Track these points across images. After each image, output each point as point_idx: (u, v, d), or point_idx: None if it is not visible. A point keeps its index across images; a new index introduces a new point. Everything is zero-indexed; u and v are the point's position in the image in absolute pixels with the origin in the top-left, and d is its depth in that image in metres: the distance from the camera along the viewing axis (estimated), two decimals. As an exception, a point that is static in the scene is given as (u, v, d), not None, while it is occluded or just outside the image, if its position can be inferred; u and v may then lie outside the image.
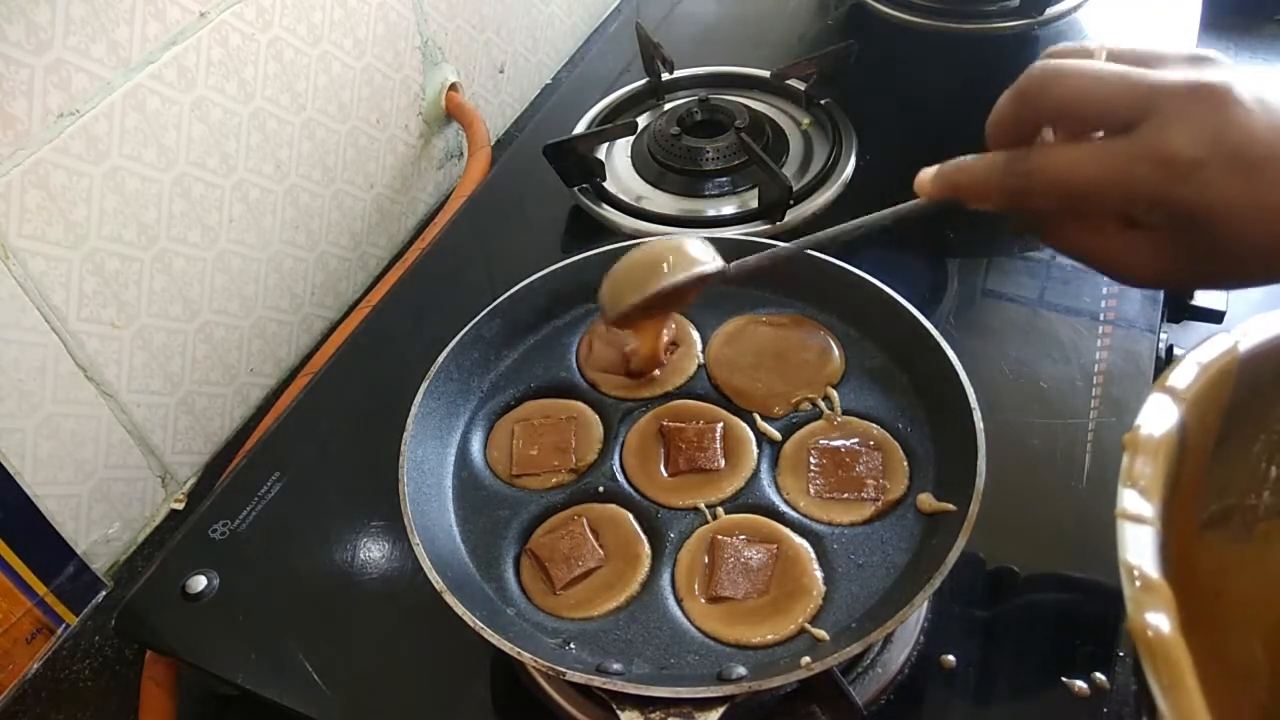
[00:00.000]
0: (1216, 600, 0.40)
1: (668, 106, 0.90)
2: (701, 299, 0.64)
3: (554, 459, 0.57)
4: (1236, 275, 0.40)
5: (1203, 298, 0.73)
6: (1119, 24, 0.99)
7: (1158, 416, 0.36)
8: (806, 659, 0.44)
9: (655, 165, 0.84)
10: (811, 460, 0.55)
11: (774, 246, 0.55)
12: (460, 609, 0.45)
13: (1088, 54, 0.41)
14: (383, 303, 0.77)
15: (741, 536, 0.51)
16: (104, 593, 0.68)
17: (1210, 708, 0.28)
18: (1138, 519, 0.33)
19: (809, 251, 0.61)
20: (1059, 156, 0.40)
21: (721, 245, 0.65)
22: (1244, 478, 0.42)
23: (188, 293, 0.71)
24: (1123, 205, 0.40)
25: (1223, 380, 0.38)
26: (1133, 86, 0.38)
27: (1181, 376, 0.38)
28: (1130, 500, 0.33)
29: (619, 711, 0.43)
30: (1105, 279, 0.72)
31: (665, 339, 0.61)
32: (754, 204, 0.80)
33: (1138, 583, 0.31)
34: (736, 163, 0.82)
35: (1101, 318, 0.69)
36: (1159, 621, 0.30)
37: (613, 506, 0.54)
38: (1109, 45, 0.41)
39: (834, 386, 0.58)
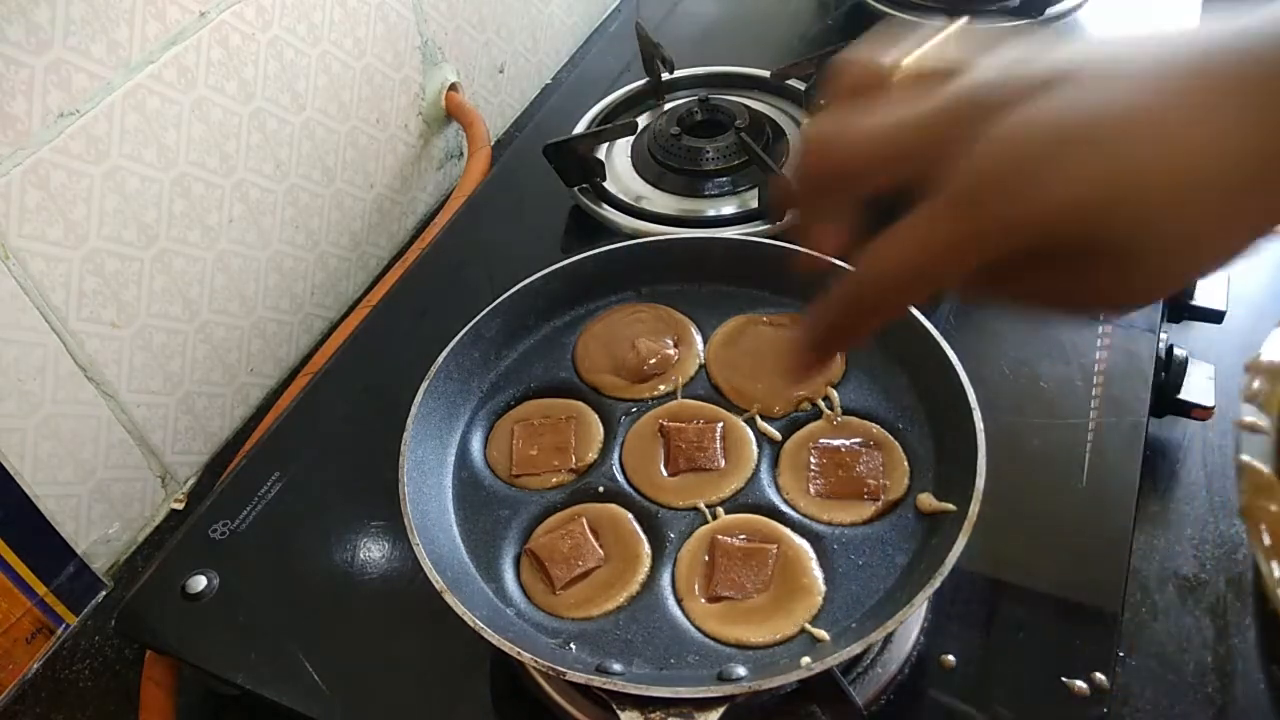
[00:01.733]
0: None
1: (668, 106, 0.90)
2: (701, 299, 0.64)
3: (554, 459, 0.56)
4: (1154, 260, 0.31)
5: (1203, 297, 0.73)
6: (1119, 24, 0.99)
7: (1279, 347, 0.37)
8: (806, 659, 0.44)
9: (655, 165, 0.84)
10: (811, 460, 0.55)
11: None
12: (460, 609, 0.45)
13: (877, 78, 0.34)
14: (383, 303, 0.77)
15: (741, 536, 0.51)
16: (104, 593, 0.68)
17: None
18: (1253, 427, 0.35)
19: (808, 251, 0.61)
20: (874, 257, 0.34)
21: (720, 245, 0.65)
22: None
23: (188, 293, 0.71)
24: (980, 256, 0.32)
25: None
26: (909, 135, 0.32)
27: None
28: (1248, 411, 0.35)
29: (619, 711, 0.43)
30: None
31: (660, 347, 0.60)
32: (754, 204, 0.80)
33: (1251, 474, 0.33)
34: (736, 163, 0.82)
35: (1102, 317, 0.69)
36: (1267, 510, 0.32)
37: (613, 506, 0.54)
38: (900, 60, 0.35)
39: (834, 386, 0.58)
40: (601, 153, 0.87)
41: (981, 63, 0.32)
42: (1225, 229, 0.30)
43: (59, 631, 0.65)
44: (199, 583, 0.58)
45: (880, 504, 0.52)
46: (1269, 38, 0.29)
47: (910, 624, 0.54)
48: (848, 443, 0.55)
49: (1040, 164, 0.29)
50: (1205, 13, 0.96)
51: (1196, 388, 0.66)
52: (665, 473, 0.55)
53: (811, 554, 0.51)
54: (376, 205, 0.89)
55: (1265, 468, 0.34)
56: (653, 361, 0.60)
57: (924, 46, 0.33)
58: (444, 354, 0.58)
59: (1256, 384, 0.37)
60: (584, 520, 0.53)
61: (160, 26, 0.64)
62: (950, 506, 0.50)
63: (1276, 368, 0.37)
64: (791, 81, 0.90)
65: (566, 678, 0.43)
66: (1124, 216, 0.29)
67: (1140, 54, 0.31)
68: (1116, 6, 1.01)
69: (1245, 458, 0.34)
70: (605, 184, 0.83)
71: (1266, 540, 0.32)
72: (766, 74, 0.92)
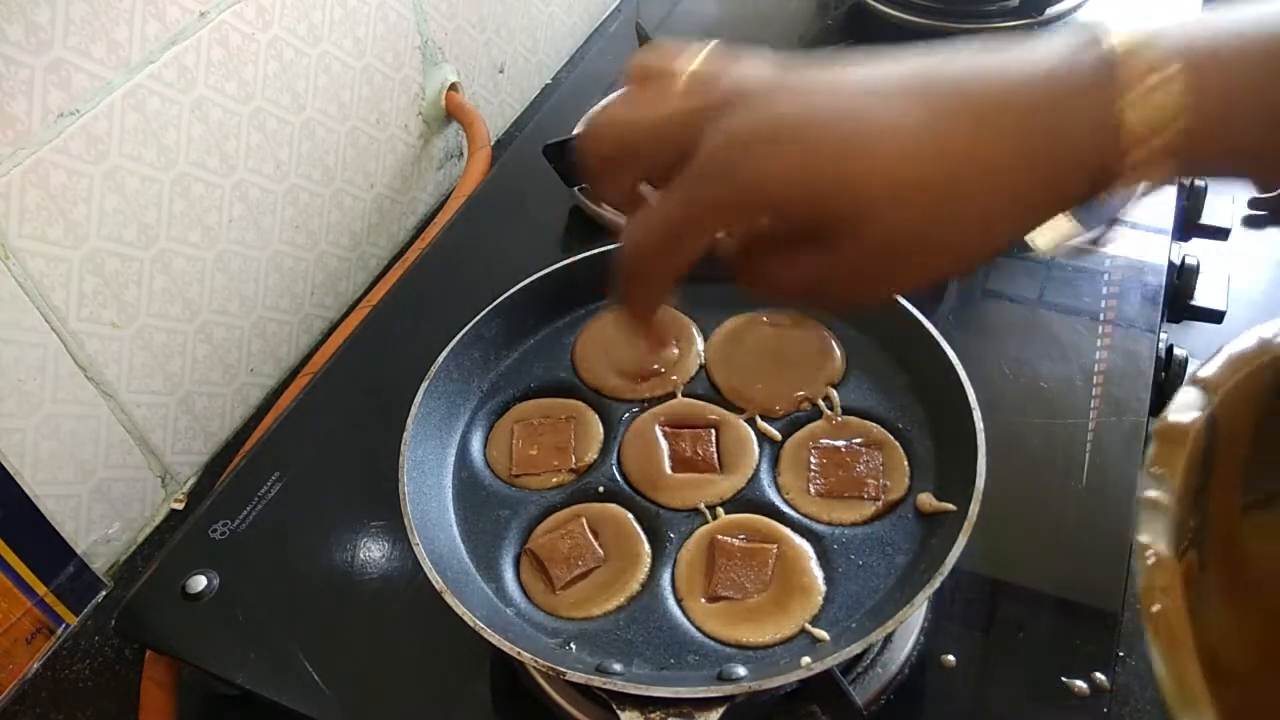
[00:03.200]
0: (1270, 578, 0.40)
1: (668, 106, 0.90)
2: (701, 299, 0.64)
3: (554, 459, 0.56)
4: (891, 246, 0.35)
5: (1203, 297, 0.73)
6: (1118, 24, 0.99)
7: (1185, 407, 0.37)
8: (806, 659, 0.44)
9: (655, 165, 0.84)
10: (812, 460, 0.54)
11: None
12: (460, 609, 0.45)
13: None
14: (383, 302, 0.77)
15: (741, 536, 0.51)
16: (104, 593, 0.68)
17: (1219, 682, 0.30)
18: (1153, 504, 0.34)
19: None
20: (631, 228, 0.38)
21: (721, 244, 0.65)
22: None
23: (188, 293, 0.71)
24: (716, 223, 0.37)
25: (1256, 373, 0.39)
26: (671, 125, 0.36)
27: (1212, 369, 0.38)
28: (1147, 486, 0.35)
29: (619, 711, 0.43)
30: (1105, 277, 0.72)
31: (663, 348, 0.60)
32: (754, 204, 0.80)
33: (1149, 559, 0.32)
34: (736, 163, 0.82)
35: (1101, 318, 0.69)
36: (1163, 594, 0.31)
37: (613, 506, 0.54)
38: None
39: (834, 386, 0.58)
40: (601, 153, 0.86)
41: (742, 69, 0.37)
42: (950, 228, 0.34)
43: (59, 631, 0.65)
44: (199, 583, 0.58)
45: (880, 504, 0.52)
46: (991, 66, 0.34)
47: (910, 624, 0.54)
48: (848, 443, 0.55)
49: (757, 148, 0.34)
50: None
51: (1196, 388, 0.66)
52: (665, 473, 0.55)
53: (811, 554, 0.51)
54: (376, 205, 0.89)
55: (1165, 549, 0.34)
56: (654, 364, 0.60)
57: (702, 54, 0.38)
58: (444, 354, 0.58)
59: (1161, 451, 0.37)
60: (584, 520, 0.53)
61: (160, 26, 0.64)
62: (950, 506, 0.50)
63: (1184, 431, 0.37)
64: (791, 81, 0.90)
65: (566, 678, 0.43)
66: (843, 202, 0.33)
67: (873, 72, 0.35)
68: (1116, 6, 1.01)
69: (1143, 538, 0.34)
70: (605, 184, 0.82)
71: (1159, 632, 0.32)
72: (766, 74, 0.92)
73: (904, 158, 0.33)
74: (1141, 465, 0.35)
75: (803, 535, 0.51)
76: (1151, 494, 0.34)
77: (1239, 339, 0.39)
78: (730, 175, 0.35)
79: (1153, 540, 0.33)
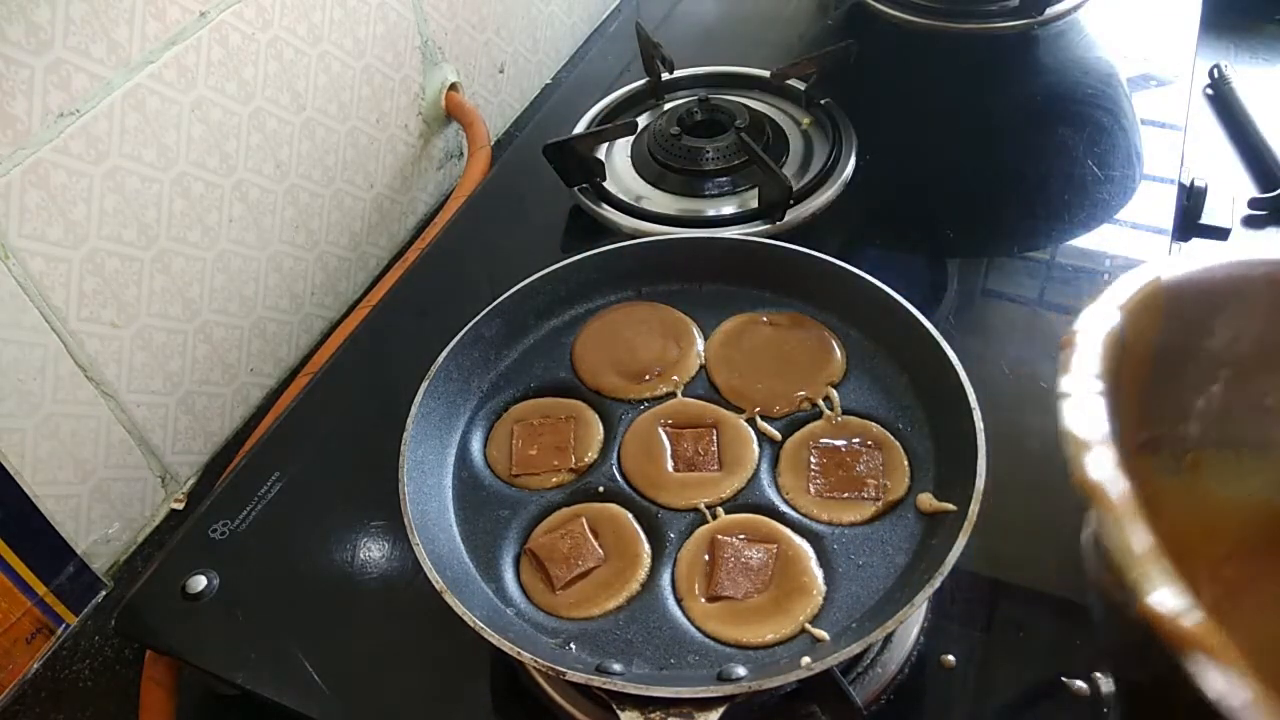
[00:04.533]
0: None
1: (668, 106, 0.90)
2: (701, 299, 0.64)
3: (553, 459, 0.57)
4: None
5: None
6: (1119, 24, 0.99)
7: (1097, 318, 0.37)
8: (806, 659, 0.44)
9: (655, 165, 0.84)
10: (812, 460, 0.55)
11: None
12: (460, 609, 0.45)
13: None
14: (383, 302, 0.77)
15: (741, 536, 0.51)
16: (104, 593, 0.68)
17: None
18: (1076, 396, 0.34)
19: (808, 251, 0.61)
20: None
21: (721, 245, 0.65)
22: (1172, 407, 0.43)
23: (187, 293, 0.71)
24: None
25: (1153, 303, 0.39)
26: None
27: (1119, 291, 0.38)
28: (1068, 382, 0.34)
29: (619, 711, 0.43)
30: (1105, 277, 0.72)
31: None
32: (754, 204, 0.80)
33: (1080, 447, 0.32)
34: (736, 163, 0.82)
35: (1101, 318, 0.69)
36: (1103, 472, 0.31)
37: (612, 506, 0.54)
38: None
39: (834, 386, 0.58)
40: (601, 153, 0.87)
41: None
42: None
43: (59, 631, 0.65)
44: (199, 583, 0.58)
45: (880, 504, 0.52)
46: None
47: (910, 624, 0.54)
48: (848, 442, 0.55)
49: None
50: (1205, 13, 0.96)
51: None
52: (665, 472, 0.55)
53: (811, 554, 0.51)
54: (376, 205, 0.89)
55: (1097, 437, 0.33)
56: (654, 364, 0.60)
57: None
58: (444, 354, 0.58)
59: (1077, 356, 0.36)
60: (584, 520, 0.53)
61: (160, 26, 0.64)
62: (950, 506, 0.50)
63: (1100, 338, 0.37)
64: (791, 81, 0.91)
65: (566, 678, 0.43)
66: None
67: None
68: (1116, 6, 1.01)
69: (1069, 426, 0.33)
70: (605, 184, 0.83)
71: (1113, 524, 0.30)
72: (766, 74, 0.92)
73: None
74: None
75: (803, 535, 0.51)
76: (1070, 387, 0.34)
77: (1132, 272, 0.39)
78: None
79: (1076, 427, 0.32)
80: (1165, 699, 0.31)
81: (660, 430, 0.57)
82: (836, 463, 0.54)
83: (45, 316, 0.61)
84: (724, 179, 0.82)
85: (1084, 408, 0.33)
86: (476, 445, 0.58)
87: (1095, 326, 0.36)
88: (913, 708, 0.51)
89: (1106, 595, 0.32)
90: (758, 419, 0.57)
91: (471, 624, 0.44)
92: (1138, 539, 0.29)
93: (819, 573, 0.50)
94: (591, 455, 0.57)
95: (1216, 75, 0.99)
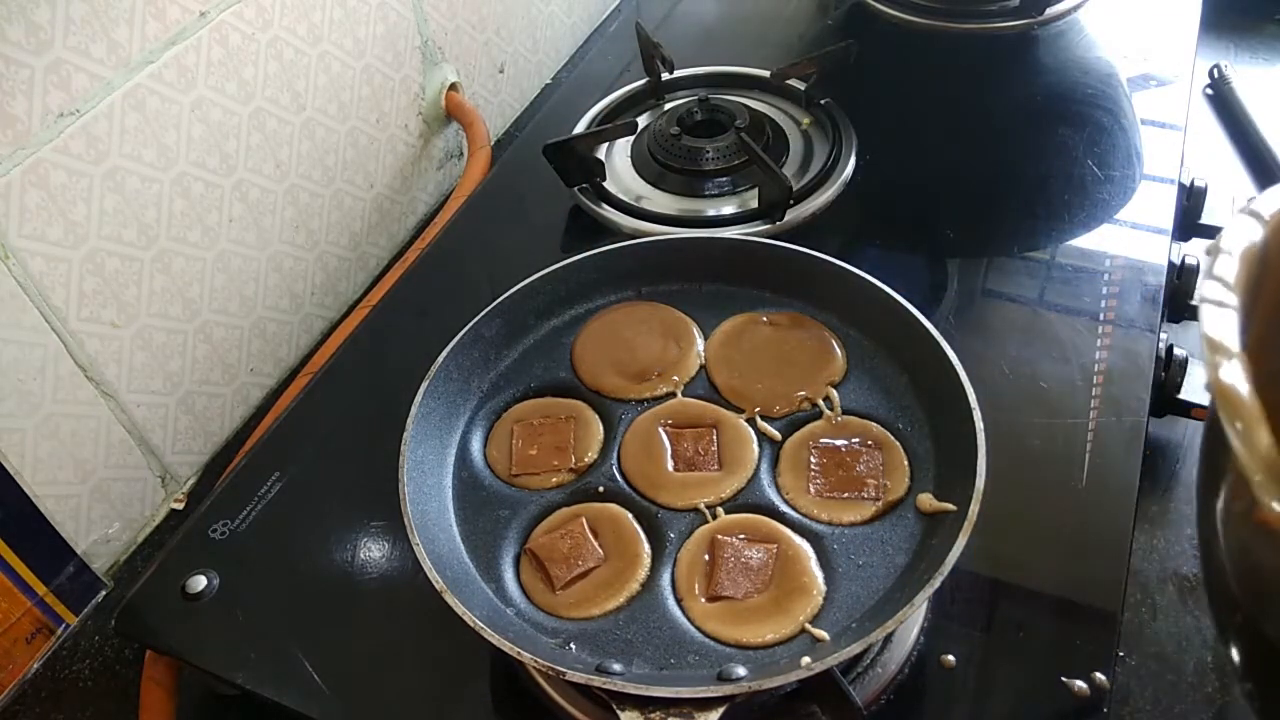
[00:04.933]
0: None
1: (668, 106, 0.90)
2: (701, 299, 0.64)
3: (553, 458, 0.57)
4: None
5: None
6: (1119, 24, 0.99)
7: (1241, 230, 0.36)
8: (806, 659, 0.44)
9: (655, 165, 0.84)
10: (812, 460, 0.55)
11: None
12: (460, 609, 0.45)
13: None
14: (383, 303, 0.77)
15: (741, 536, 0.51)
16: (104, 593, 0.68)
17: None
18: (1220, 303, 0.34)
19: (808, 251, 0.61)
20: None
21: (721, 245, 0.65)
22: None
23: (187, 293, 0.71)
24: None
25: None
26: None
27: (1266, 202, 0.37)
28: (1211, 289, 0.34)
29: (619, 711, 0.43)
30: (1105, 277, 0.72)
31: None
32: (754, 204, 0.80)
33: (1219, 352, 0.32)
34: (736, 163, 0.82)
35: (1101, 317, 0.69)
36: (1236, 379, 0.31)
37: (612, 506, 0.54)
38: None
39: (834, 386, 0.58)
40: (601, 153, 0.87)
41: None
42: None
43: (59, 631, 0.65)
44: (199, 583, 0.58)
45: (880, 504, 0.52)
46: None
47: (910, 624, 0.54)
48: (848, 442, 0.55)
49: None
50: (1205, 13, 0.96)
51: (1196, 388, 0.67)
52: (665, 472, 0.55)
53: (811, 554, 0.51)
54: (376, 205, 0.89)
55: (1234, 346, 0.33)
56: (653, 364, 0.60)
57: None
58: (444, 354, 0.58)
59: (1221, 263, 0.36)
60: (584, 520, 0.53)
61: (160, 26, 0.64)
62: (950, 506, 0.50)
63: (1243, 250, 0.36)
64: (791, 81, 0.91)
65: (566, 678, 0.43)
66: None
67: None
68: (1116, 6, 1.01)
69: (1211, 332, 0.33)
70: (605, 184, 0.83)
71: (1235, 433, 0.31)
72: (766, 74, 0.92)
73: None
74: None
75: (803, 535, 0.51)
76: (1214, 295, 0.33)
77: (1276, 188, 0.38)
78: None
79: (1219, 335, 0.32)
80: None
81: (660, 430, 0.57)
82: (836, 463, 0.54)
83: (45, 316, 0.61)
84: (724, 179, 0.82)
85: (1224, 316, 0.33)
86: (476, 445, 0.58)
87: (1239, 237, 0.36)
88: (913, 708, 0.51)
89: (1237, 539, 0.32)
90: (758, 419, 0.57)
91: (471, 624, 0.44)
92: (1265, 444, 0.29)
93: (819, 573, 0.50)
94: (591, 455, 0.57)
95: (1216, 75, 0.99)
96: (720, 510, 0.53)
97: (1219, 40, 1.06)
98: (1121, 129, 0.86)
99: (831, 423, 0.56)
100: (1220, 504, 0.35)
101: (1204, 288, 0.34)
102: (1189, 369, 0.67)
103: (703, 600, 0.49)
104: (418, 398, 0.55)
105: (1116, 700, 0.53)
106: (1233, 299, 0.33)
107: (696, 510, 0.53)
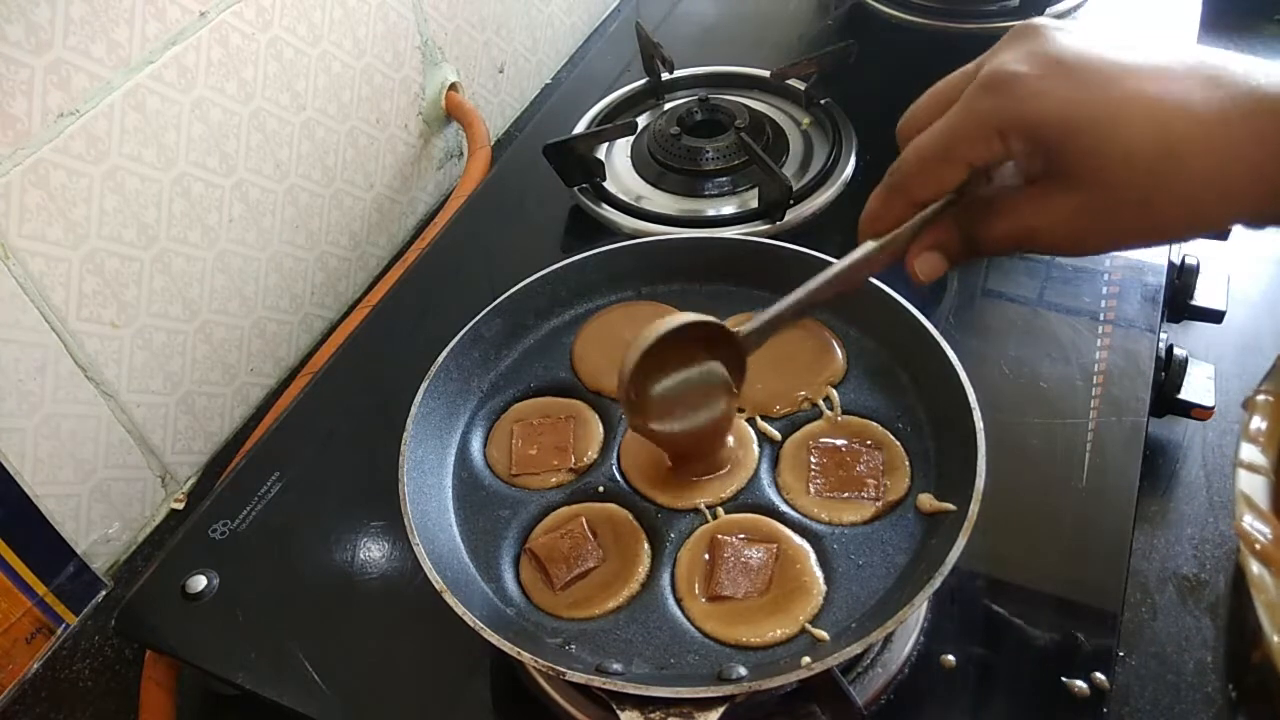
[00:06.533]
0: None
1: (668, 106, 0.90)
2: (701, 299, 0.64)
3: (553, 458, 0.56)
4: (1147, 206, 0.38)
5: (1202, 297, 0.73)
6: (1119, 24, 0.99)
7: (1275, 384, 0.39)
8: (806, 659, 0.44)
9: (655, 165, 0.84)
10: (812, 460, 0.55)
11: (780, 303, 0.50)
12: (460, 609, 0.45)
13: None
14: (383, 302, 0.77)
15: (741, 536, 0.51)
16: (104, 593, 0.68)
17: None
18: (1252, 467, 0.36)
19: (808, 251, 0.61)
20: (916, 141, 0.43)
21: (721, 245, 0.65)
22: None
23: (187, 293, 0.71)
24: (985, 152, 0.40)
25: None
26: (963, 72, 0.43)
27: None
28: (1247, 452, 0.37)
29: (619, 711, 0.43)
30: (1105, 277, 0.72)
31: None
32: (754, 204, 0.80)
33: (1249, 510, 0.35)
34: (736, 163, 0.82)
35: (1101, 317, 0.69)
36: (1264, 533, 0.33)
37: (612, 506, 0.54)
38: None
39: (834, 386, 0.58)
40: (601, 153, 0.87)
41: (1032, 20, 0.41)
42: (1198, 203, 0.36)
43: (59, 631, 0.65)
44: (199, 583, 0.58)
45: (880, 504, 0.52)
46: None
47: (910, 624, 0.54)
48: (848, 442, 0.55)
49: (1033, 70, 0.38)
50: (1205, 13, 0.96)
51: (1196, 388, 0.67)
52: (665, 472, 0.55)
53: (811, 554, 0.51)
54: (376, 205, 0.89)
55: (1263, 504, 0.36)
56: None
57: None
58: (444, 354, 0.58)
59: (1255, 422, 0.39)
60: (584, 520, 0.53)
61: (160, 26, 0.64)
62: (950, 506, 0.50)
63: (1273, 406, 0.39)
64: (791, 81, 0.91)
65: (566, 678, 0.43)
66: (1092, 137, 0.37)
67: (1153, 45, 0.39)
68: (1116, 6, 1.01)
69: (1245, 489, 0.36)
70: (605, 184, 0.83)
71: (1255, 570, 0.34)
72: (766, 74, 0.92)
73: (1168, 114, 0.36)
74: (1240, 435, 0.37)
75: (803, 535, 0.51)
76: (1248, 458, 0.37)
77: None
78: (1004, 90, 0.39)
79: (1252, 492, 0.35)
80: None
81: (660, 430, 0.57)
82: (836, 463, 0.54)
83: (45, 316, 0.61)
84: (724, 179, 0.82)
85: (1256, 478, 0.37)
86: (476, 445, 0.58)
87: (1273, 391, 0.39)
88: (913, 708, 0.51)
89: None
90: (758, 419, 0.57)
91: (471, 624, 0.44)
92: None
93: (819, 573, 0.50)
94: (591, 455, 0.57)
95: (1216, 75, 0.99)
96: (720, 510, 0.53)
97: (1219, 40, 1.06)
98: (1121, 129, 0.86)
99: (831, 423, 0.56)
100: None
101: (1241, 450, 0.37)
102: (1189, 369, 0.67)
103: (703, 600, 0.49)
104: (418, 398, 0.55)
105: (1116, 700, 0.53)
106: (1264, 461, 0.37)
107: (696, 510, 0.53)
